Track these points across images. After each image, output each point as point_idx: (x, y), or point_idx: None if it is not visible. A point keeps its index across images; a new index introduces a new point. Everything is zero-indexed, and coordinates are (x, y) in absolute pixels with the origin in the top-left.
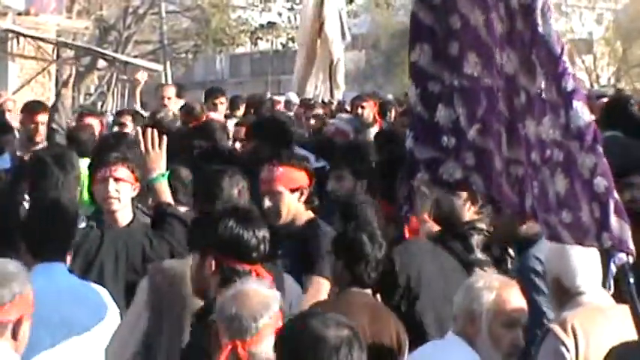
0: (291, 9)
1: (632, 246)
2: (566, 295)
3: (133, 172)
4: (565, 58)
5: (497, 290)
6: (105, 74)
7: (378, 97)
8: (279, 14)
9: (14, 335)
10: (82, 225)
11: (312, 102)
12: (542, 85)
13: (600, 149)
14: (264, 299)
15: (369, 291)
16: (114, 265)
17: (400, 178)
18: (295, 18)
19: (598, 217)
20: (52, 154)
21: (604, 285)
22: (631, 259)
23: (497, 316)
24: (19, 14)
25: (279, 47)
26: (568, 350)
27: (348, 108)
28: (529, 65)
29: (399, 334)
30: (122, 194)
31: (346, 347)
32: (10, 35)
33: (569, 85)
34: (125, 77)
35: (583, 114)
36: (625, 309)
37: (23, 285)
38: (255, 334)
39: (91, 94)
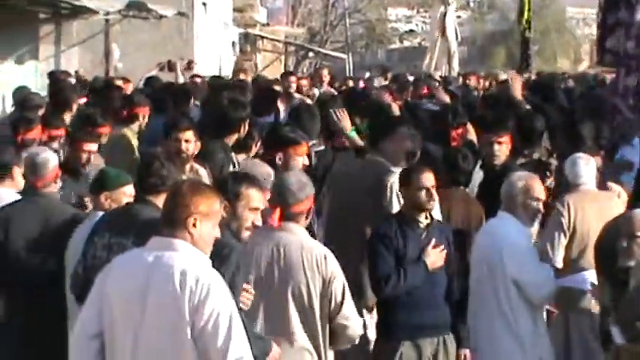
0: (424, 22)
1: None
2: (570, 186)
3: None
4: None
5: (525, 180)
6: (312, 61)
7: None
8: (417, 25)
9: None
10: None
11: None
12: None
13: None
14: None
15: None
16: None
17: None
18: (425, 26)
19: None
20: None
21: None
22: None
23: (525, 194)
24: (263, 25)
25: (416, 45)
26: (564, 218)
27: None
28: None
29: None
30: None
31: None
32: (258, 38)
33: None
34: (325, 63)
35: None
36: (610, 195)
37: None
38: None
39: (304, 73)
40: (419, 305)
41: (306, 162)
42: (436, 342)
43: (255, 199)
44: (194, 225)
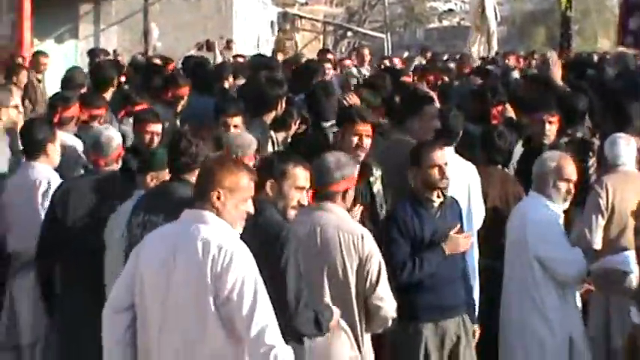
0: (462, 1)
1: None
2: (609, 167)
3: None
4: None
5: (557, 160)
6: (351, 41)
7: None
8: (455, 4)
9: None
10: None
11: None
12: None
13: None
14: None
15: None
16: None
17: None
18: (464, 6)
19: None
20: None
21: None
22: None
23: (556, 174)
24: (302, 5)
25: (455, 24)
26: (602, 199)
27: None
28: None
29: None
30: None
31: None
32: (296, 18)
33: None
34: (364, 42)
35: None
36: None
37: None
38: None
39: (342, 53)
40: (439, 286)
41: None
42: (457, 322)
43: (301, 177)
44: (218, 198)
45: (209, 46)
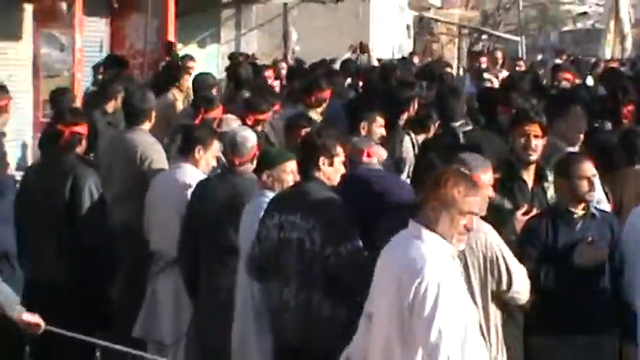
0: (597, 4)
1: None
2: None
3: None
4: None
5: None
6: (485, 44)
7: None
8: (589, 7)
9: None
10: None
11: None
12: None
13: None
14: None
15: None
16: None
17: None
18: (598, 8)
19: None
20: None
21: None
22: None
23: None
24: (437, 8)
25: (589, 27)
26: None
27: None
28: None
29: None
30: None
31: None
32: (432, 21)
33: None
34: (498, 45)
35: None
36: None
37: None
38: None
39: None
40: (569, 299)
41: None
42: (592, 339)
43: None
44: (433, 211)
45: (362, 49)
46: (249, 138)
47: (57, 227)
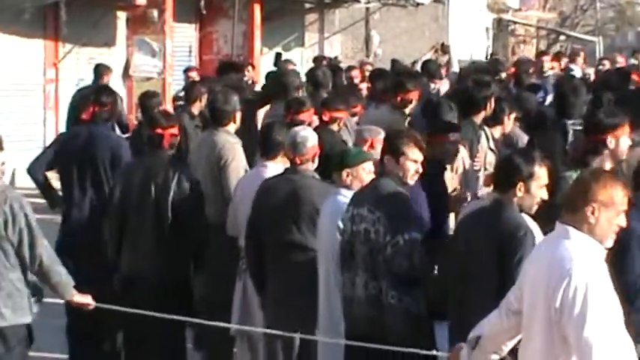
0: None
1: None
2: None
3: None
4: None
5: None
6: (563, 45)
7: None
8: None
9: None
10: None
11: None
12: None
13: None
14: None
15: None
16: None
17: None
18: None
19: None
20: None
21: None
22: None
23: None
24: (515, 10)
25: None
26: None
27: None
28: None
29: None
30: None
31: None
32: (510, 23)
33: None
34: (576, 46)
35: None
36: None
37: None
38: None
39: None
40: None
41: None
42: None
43: (545, 176)
44: (592, 213)
45: (444, 50)
46: (309, 138)
47: (160, 224)
